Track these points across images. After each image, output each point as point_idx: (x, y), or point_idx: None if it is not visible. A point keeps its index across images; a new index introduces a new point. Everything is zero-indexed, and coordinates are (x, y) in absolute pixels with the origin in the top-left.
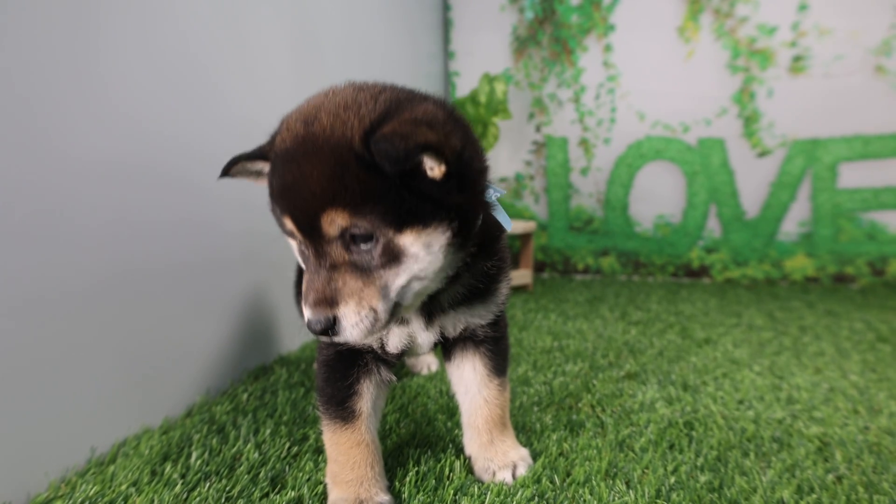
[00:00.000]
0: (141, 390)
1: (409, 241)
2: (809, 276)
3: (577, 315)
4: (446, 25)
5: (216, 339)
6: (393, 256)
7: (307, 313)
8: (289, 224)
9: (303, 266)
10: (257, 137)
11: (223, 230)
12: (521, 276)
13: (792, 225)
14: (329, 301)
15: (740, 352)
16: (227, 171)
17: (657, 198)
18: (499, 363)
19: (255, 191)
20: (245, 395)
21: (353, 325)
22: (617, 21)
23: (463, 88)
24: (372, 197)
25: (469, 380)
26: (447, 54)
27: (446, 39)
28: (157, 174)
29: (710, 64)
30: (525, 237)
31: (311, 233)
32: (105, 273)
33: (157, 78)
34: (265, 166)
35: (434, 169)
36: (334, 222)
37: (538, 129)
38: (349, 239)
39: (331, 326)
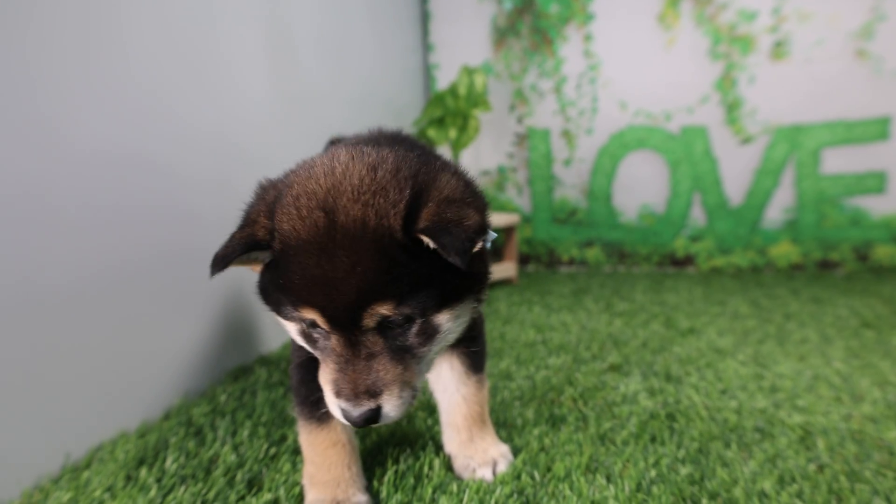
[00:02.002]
0: (118, 394)
1: (445, 318)
2: (794, 262)
3: (562, 307)
4: (425, 18)
5: (195, 340)
6: (428, 334)
7: (344, 405)
8: (311, 315)
9: (302, 344)
10: (232, 123)
11: (200, 227)
12: (505, 269)
13: (776, 212)
14: (371, 392)
15: (724, 341)
16: (223, 268)
17: (641, 187)
18: (475, 360)
19: (231, 194)
20: (224, 397)
21: (395, 409)
22: (596, 10)
23: (443, 81)
24: (418, 285)
25: (447, 378)
26: (426, 47)
27: (425, 32)
28: (130, 172)
29: (691, 51)
30: (509, 230)
31: (344, 325)
32: (79, 275)
33: (130, 64)
34: (260, 253)
35: (476, 247)
36: (376, 314)
37: (520, 120)
38: (386, 325)
39: (375, 417)
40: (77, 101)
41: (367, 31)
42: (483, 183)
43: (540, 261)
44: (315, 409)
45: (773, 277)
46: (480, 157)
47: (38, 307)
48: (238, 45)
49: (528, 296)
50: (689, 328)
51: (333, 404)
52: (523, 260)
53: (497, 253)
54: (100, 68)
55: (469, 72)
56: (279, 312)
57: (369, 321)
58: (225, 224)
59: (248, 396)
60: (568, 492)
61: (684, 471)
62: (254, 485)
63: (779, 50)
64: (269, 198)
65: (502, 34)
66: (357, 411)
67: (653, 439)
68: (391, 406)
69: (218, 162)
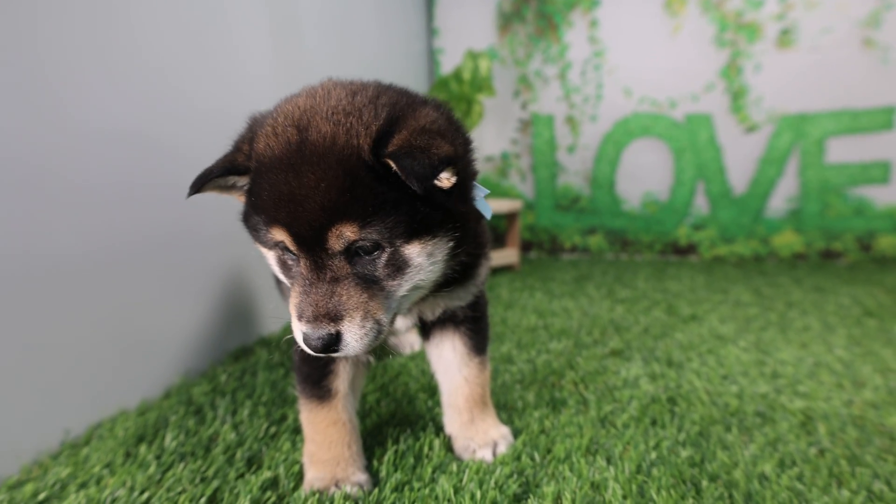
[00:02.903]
0: (118, 372)
1: (416, 252)
2: (797, 252)
3: (563, 293)
4: (430, 2)
5: (196, 320)
6: (397, 267)
7: (304, 329)
8: (280, 236)
9: (280, 276)
10: (236, 104)
11: (203, 208)
12: (507, 255)
13: (780, 201)
14: (331, 316)
15: (726, 328)
16: (199, 189)
17: (644, 175)
18: (478, 342)
19: None
20: (224, 377)
21: (357, 340)
22: None
23: (447, 66)
24: (383, 209)
25: (448, 359)
26: (431, 31)
27: (430, 16)
28: (136, 150)
29: (697, 38)
30: (511, 216)
31: (311, 246)
32: (82, 252)
33: (140, 38)
34: (239, 179)
35: (446, 179)
36: (342, 236)
37: (524, 106)
38: (353, 251)
39: (334, 343)
40: (84, 77)
41: (371, 14)
42: (486, 169)
43: (542, 248)
44: (316, 387)
45: (776, 266)
46: (484, 142)
47: (40, 284)
48: (243, 25)
49: (529, 282)
50: (690, 315)
51: (296, 329)
52: (525, 246)
53: (499, 239)
54: (107, 45)
55: (473, 56)
56: (258, 238)
57: (335, 243)
58: (227, 205)
59: (249, 377)
60: (568, 473)
61: (685, 453)
62: (253, 463)
63: (785, 38)
64: (256, 127)
65: (507, 19)
66: (316, 334)
67: (653, 423)
68: (352, 335)
69: (221, 142)
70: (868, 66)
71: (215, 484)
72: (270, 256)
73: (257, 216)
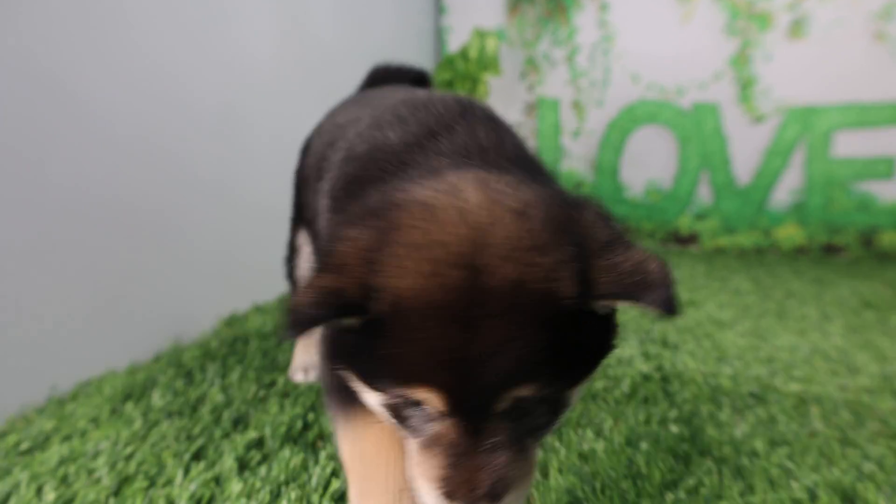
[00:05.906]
0: (108, 333)
1: (576, 393)
2: (799, 245)
3: None
4: None
5: (189, 285)
6: (556, 412)
7: None
8: (426, 395)
9: (391, 421)
10: (235, 82)
11: (199, 172)
12: None
13: (783, 193)
14: (493, 494)
15: (724, 314)
16: (303, 332)
17: (649, 163)
18: None
19: (231, 123)
20: (216, 342)
21: None
22: None
23: (454, 44)
24: (575, 360)
25: None
26: (439, 9)
27: None
28: (132, 112)
29: (707, 26)
30: None
31: (473, 411)
32: (76, 209)
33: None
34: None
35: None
36: (515, 397)
37: (530, 89)
38: (515, 408)
39: None
40: (95, 74)
41: None
42: None
43: None
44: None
45: (777, 258)
46: None
47: (37, 242)
48: (244, 6)
49: None
50: (689, 300)
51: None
52: None
53: None
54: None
55: (481, 35)
56: (366, 380)
57: (502, 405)
58: (224, 170)
59: (240, 344)
60: (557, 444)
61: (676, 429)
62: (240, 423)
63: (797, 28)
64: (364, 238)
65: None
66: None
67: (645, 400)
68: None
69: (219, 127)
70: (879, 60)
71: (200, 442)
72: (376, 397)
73: (384, 368)
